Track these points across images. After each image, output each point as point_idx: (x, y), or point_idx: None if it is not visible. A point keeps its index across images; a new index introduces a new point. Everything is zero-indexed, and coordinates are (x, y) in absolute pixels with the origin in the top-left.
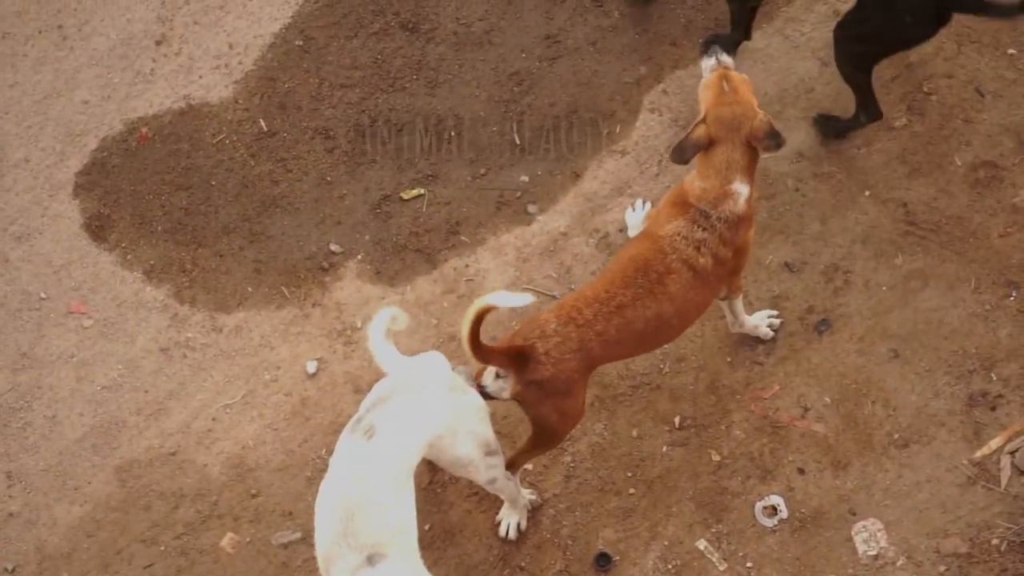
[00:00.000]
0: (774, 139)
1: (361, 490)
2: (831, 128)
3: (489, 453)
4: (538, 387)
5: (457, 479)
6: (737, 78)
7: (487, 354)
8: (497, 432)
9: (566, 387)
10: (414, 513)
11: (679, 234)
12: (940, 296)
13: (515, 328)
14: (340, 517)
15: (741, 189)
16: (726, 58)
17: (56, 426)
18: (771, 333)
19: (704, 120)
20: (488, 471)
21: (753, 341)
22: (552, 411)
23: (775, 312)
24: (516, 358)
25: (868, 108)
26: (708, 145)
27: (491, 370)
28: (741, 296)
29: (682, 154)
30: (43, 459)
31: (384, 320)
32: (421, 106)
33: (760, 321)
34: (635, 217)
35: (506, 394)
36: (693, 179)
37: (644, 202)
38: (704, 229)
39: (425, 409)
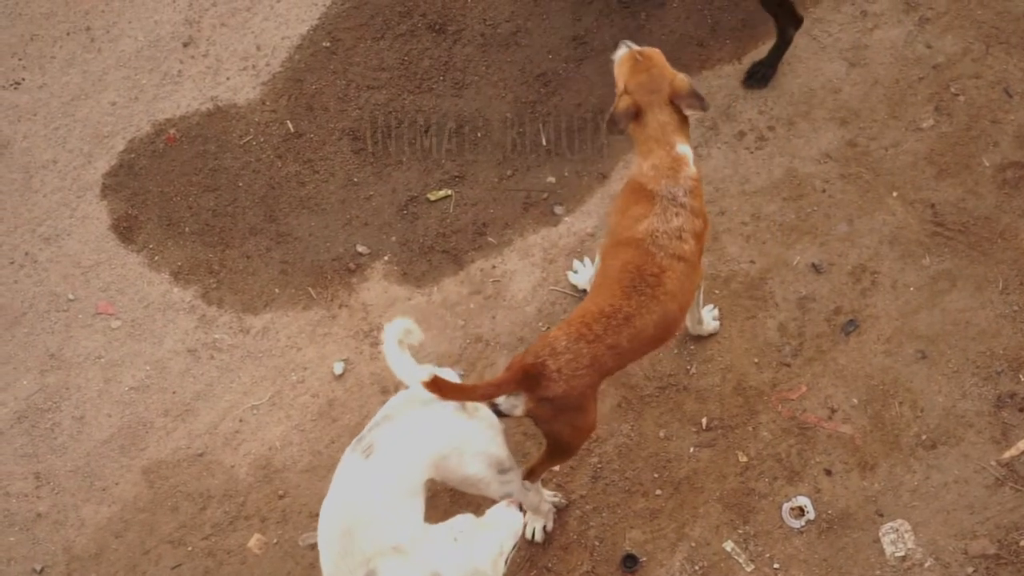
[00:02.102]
0: (696, 96)
1: (358, 509)
2: (765, 70)
3: (502, 471)
4: (551, 404)
5: None
6: (648, 50)
7: (496, 388)
8: (524, 432)
9: (579, 403)
10: (420, 531)
11: (658, 230)
12: (968, 297)
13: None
14: (339, 536)
15: (685, 149)
16: (634, 45)
17: (84, 427)
18: (718, 325)
19: (626, 90)
20: (502, 488)
21: (780, 342)
22: (566, 426)
23: (714, 307)
24: (527, 378)
25: (790, 17)
26: (637, 114)
27: None
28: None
29: (615, 125)
30: (71, 460)
31: (397, 332)
32: (448, 107)
33: (709, 319)
34: (584, 273)
35: (519, 411)
36: (640, 166)
37: (583, 260)
38: (677, 214)
39: (428, 429)
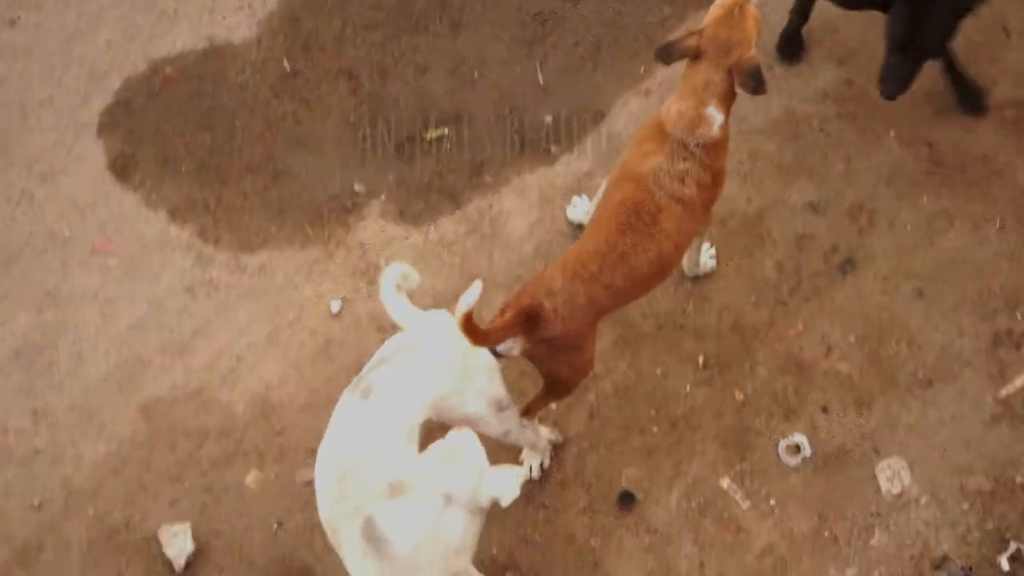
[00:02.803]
0: (755, 79)
1: (356, 451)
2: (794, 44)
3: (501, 409)
4: (548, 344)
5: None
6: (751, 11)
7: (497, 334)
8: (521, 371)
9: (576, 342)
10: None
11: (661, 170)
12: (965, 235)
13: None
14: (336, 480)
15: (715, 115)
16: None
17: (81, 364)
18: (715, 264)
19: (701, 32)
20: (501, 425)
21: (777, 280)
22: (563, 366)
23: (710, 246)
24: (525, 320)
25: None
26: (695, 57)
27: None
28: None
29: (668, 54)
30: (68, 397)
31: (394, 276)
32: (444, 47)
33: (705, 258)
34: (582, 207)
35: (516, 351)
36: (670, 104)
37: (581, 196)
38: (684, 159)
39: (427, 370)
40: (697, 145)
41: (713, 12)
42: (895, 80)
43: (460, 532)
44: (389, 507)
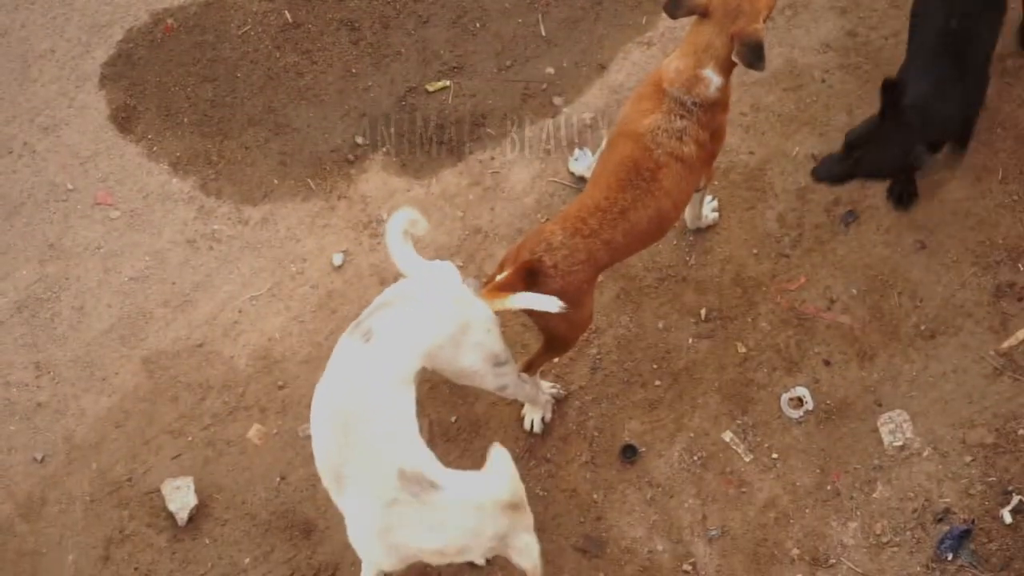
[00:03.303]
0: (753, 53)
1: (357, 394)
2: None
3: (498, 364)
4: None
5: None
6: None
7: (498, 294)
8: (523, 324)
9: (575, 298)
10: (413, 418)
11: (659, 127)
12: (967, 187)
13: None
14: (339, 424)
15: (712, 77)
16: None
17: (83, 317)
18: (717, 216)
19: None
20: (497, 379)
21: (779, 233)
22: (562, 321)
23: (713, 198)
24: (525, 276)
25: None
26: (701, 15)
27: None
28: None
29: (676, 7)
30: (71, 350)
31: (402, 222)
32: None
33: (708, 211)
34: (584, 160)
35: (514, 307)
36: (670, 60)
37: (584, 149)
38: (682, 117)
39: (426, 318)
40: (694, 104)
41: None
42: (827, 171)
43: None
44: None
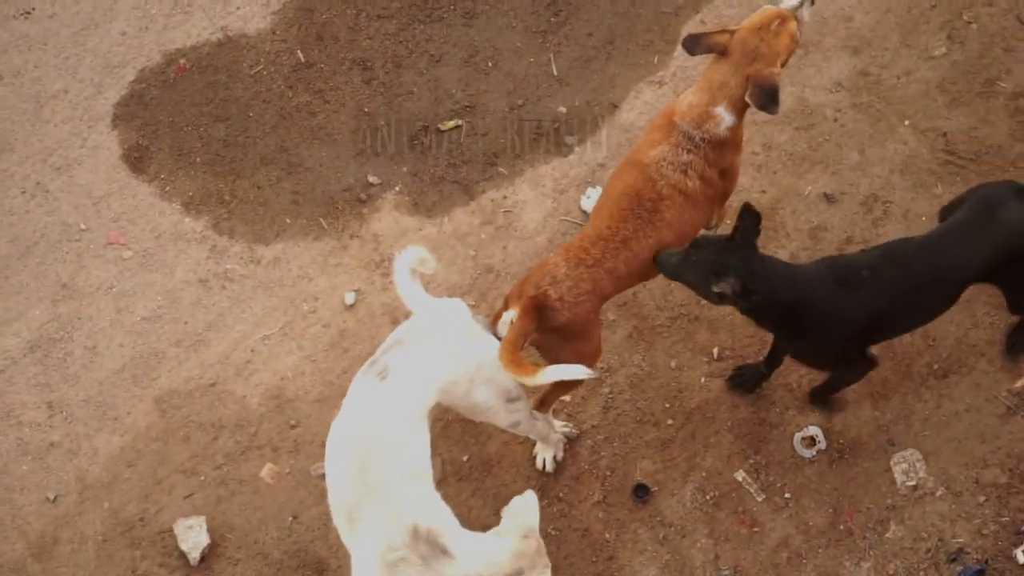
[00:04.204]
0: (767, 96)
1: (373, 432)
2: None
3: (510, 400)
4: (556, 333)
5: None
6: (790, 29)
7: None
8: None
9: (583, 329)
10: (428, 457)
11: (664, 159)
12: None
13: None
14: (355, 462)
15: (724, 115)
16: (806, 11)
17: (96, 357)
18: None
19: (733, 32)
20: (509, 416)
21: None
22: (571, 354)
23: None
24: (533, 312)
25: None
26: (720, 54)
27: (506, 319)
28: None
29: (695, 45)
30: (83, 390)
31: (410, 260)
32: (458, 37)
33: None
34: (596, 197)
35: (526, 341)
36: (685, 95)
37: (596, 187)
38: (688, 151)
39: (440, 355)
40: (703, 139)
41: (753, 17)
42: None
43: None
44: (455, 525)
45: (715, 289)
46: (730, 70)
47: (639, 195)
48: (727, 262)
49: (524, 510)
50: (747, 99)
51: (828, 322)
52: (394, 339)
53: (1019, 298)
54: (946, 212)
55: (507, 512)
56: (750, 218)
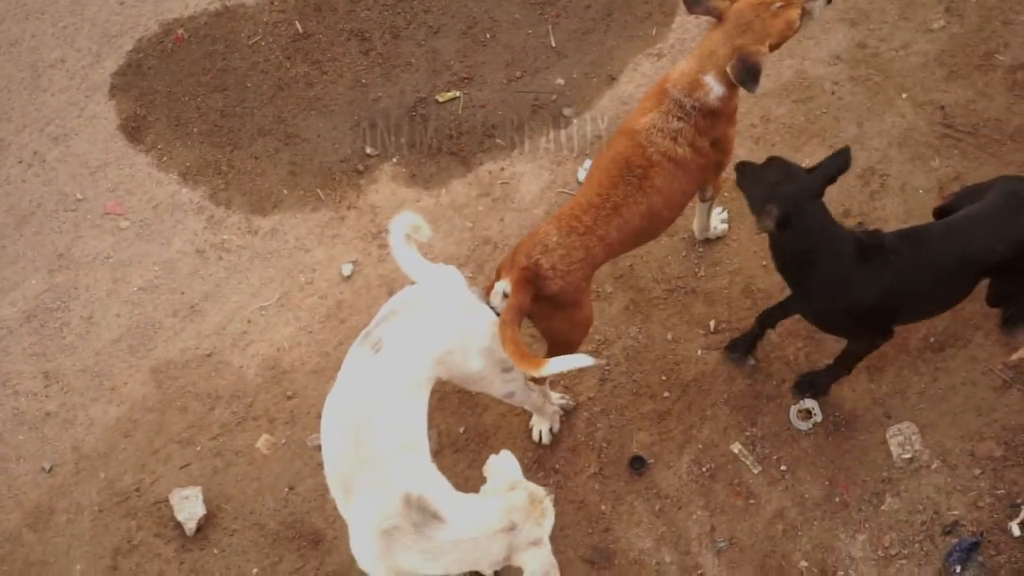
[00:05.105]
0: (748, 71)
1: (368, 404)
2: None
3: (505, 369)
4: (548, 302)
5: None
6: (790, 16)
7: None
8: (533, 335)
9: (574, 297)
10: (424, 428)
11: (655, 127)
12: None
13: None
14: (350, 435)
15: (713, 84)
16: (818, 7)
17: (93, 327)
18: (726, 227)
19: (733, 0)
20: (504, 386)
21: None
22: (563, 323)
23: (723, 210)
24: (527, 283)
25: None
26: (717, 19)
27: (499, 289)
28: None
29: (696, 2)
30: (80, 359)
31: (403, 226)
32: (457, 8)
33: (717, 222)
34: None
35: (523, 316)
36: (680, 63)
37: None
38: (679, 119)
39: (434, 325)
40: (693, 107)
41: None
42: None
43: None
44: (447, 490)
45: (763, 211)
46: (721, 39)
47: (629, 162)
48: (785, 191)
49: (503, 464)
50: (728, 71)
51: (833, 288)
52: (388, 310)
53: (1007, 292)
54: (961, 200)
55: (487, 471)
56: (837, 161)
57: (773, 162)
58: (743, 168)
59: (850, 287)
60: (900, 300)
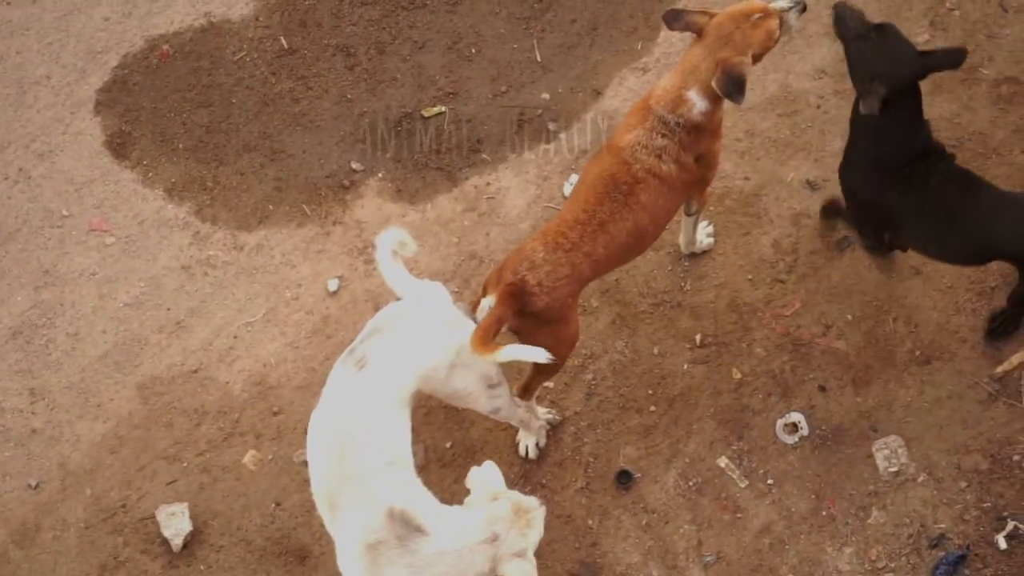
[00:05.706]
0: (733, 83)
1: (352, 422)
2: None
3: (491, 386)
4: (534, 318)
5: None
6: (770, 26)
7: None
8: None
9: (561, 314)
10: (408, 444)
11: (639, 143)
12: None
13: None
14: (335, 451)
15: (696, 99)
16: (794, 16)
17: (78, 343)
18: (712, 241)
19: (713, 16)
20: (490, 402)
21: (774, 259)
22: (549, 339)
23: (708, 224)
24: (512, 298)
25: None
26: (697, 35)
27: (485, 305)
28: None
29: (675, 19)
30: (66, 376)
31: (390, 242)
32: (442, 23)
33: (703, 236)
34: None
35: (502, 328)
36: (663, 79)
37: (579, 174)
38: (663, 136)
39: (419, 342)
40: (677, 124)
41: (737, 5)
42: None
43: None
44: (432, 504)
45: (868, 89)
46: (703, 53)
47: (615, 178)
48: (894, 72)
49: (485, 476)
50: (713, 85)
51: (867, 159)
52: (372, 327)
53: None
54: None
55: (470, 483)
56: (952, 56)
57: (888, 32)
58: (845, 15)
59: (882, 173)
60: (911, 218)
